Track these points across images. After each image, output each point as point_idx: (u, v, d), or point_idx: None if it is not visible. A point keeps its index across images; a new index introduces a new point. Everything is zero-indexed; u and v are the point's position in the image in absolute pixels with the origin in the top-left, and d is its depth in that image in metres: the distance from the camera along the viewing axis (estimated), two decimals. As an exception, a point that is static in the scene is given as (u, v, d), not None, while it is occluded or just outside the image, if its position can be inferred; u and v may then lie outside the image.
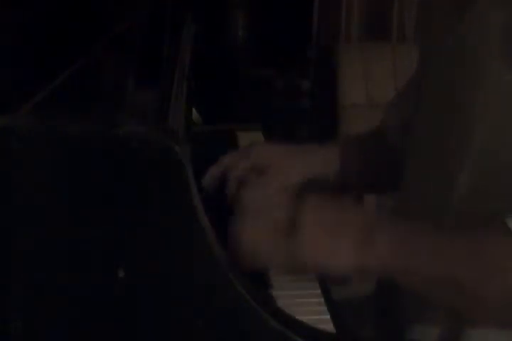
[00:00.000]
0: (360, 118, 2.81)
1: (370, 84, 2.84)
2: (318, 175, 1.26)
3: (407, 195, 1.15)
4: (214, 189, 1.22)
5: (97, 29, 1.24)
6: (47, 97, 0.88)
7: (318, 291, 1.04)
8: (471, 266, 0.90)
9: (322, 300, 1.02)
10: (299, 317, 0.89)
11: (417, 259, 0.90)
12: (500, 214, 0.93)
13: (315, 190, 1.05)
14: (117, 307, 0.83)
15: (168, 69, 1.13)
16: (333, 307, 1.00)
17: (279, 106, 3.02)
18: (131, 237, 0.82)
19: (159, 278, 0.83)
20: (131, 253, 0.82)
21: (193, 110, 1.53)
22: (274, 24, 3.03)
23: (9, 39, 1.01)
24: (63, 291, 0.83)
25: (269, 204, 0.94)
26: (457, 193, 1.02)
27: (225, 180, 1.22)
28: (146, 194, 0.81)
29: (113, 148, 0.80)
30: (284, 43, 3.00)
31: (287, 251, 0.90)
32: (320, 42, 3.01)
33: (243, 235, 0.90)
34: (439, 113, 1.09)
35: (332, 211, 0.94)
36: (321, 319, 0.96)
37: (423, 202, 1.09)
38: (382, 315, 1.22)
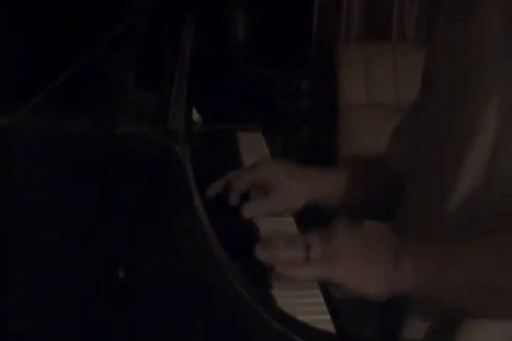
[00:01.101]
0: (360, 118, 2.81)
1: (370, 84, 2.84)
2: (320, 199, 1.27)
3: (405, 215, 1.16)
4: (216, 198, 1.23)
5: (97, 29, 1.24)
6: (47, 97, 0.88)
7: (318, 291, 1.04)
8: (504, 266, 0.92)
9: (322, 300, 1.02)
10: (299, 317, 0.89)
11: (449, 277, 0.93)
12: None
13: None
14: (117, 307, 0.83)
15: (168, 69, 1.13)
16: (333, 307, 1.00)
17: (279, 106, 3.02)
18: (131, 237, 0.82)
19: (159, 278, 0.83)
20: (131, 253, 0.82)
21: (193, 110, 1.52)
22: (274, 24, 3.02)
23: (9, 39, 1.01)
24: (63, 291, 0.83)
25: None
26: (451, 207, 1.03)
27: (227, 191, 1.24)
28: (146, 194, 0.81)
29: (113, 148, 0.80)
30: (284, 43, 3.00)
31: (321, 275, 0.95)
32: (320, 42, 3.01)
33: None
34: (440, 126, 1.09)
35: (362, 237, 0.97)
36: (321, 319, 0.96)
37: (421, 219, 1.10)
38: (382, 315, 1.22)
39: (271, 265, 0.97)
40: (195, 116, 1.56)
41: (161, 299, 0.83)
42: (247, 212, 1.20)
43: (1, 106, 0.82)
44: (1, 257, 0.82)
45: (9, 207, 0.81)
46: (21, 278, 0.83)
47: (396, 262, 0.94)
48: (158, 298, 0.83)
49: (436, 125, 1.10)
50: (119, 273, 0.81)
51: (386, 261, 0.94)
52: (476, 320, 1.00)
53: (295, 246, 0.97)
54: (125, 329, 0.84)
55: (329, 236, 0.97)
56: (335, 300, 1.03)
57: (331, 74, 2.88)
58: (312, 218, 1.27)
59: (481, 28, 1.02)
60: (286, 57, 3.01)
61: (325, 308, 0.99)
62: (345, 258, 0.95)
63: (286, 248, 0.97)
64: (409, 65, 2.76)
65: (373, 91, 2.84)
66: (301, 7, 3.01)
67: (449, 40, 1.10)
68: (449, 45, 1.10)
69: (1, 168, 0.80)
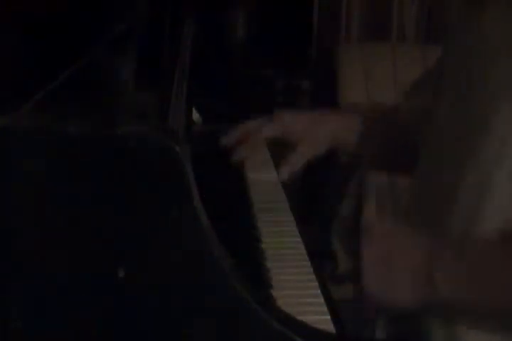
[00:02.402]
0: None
1: (370, 84, 2.84)
2: (341, 144, 1.26)
3: (419, 183, 1.15)
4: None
5: (97, 29, 1.24)
6: (47, 97, 0.88)
7: (318, 291, 1.04)
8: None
9: (322, 300, 1.02)
10: (299, 317, 0.89)
11: (478, 290, 0.91)
12: None
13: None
14: (117, 307, 0.83)
15: (168, 69, 1.13)
16: (333, 307, 1.00)
17: (279, 106, 3.02)
18: (131, 237, 0.82)
19: (159, 278, 0.83)
20: (131, 253, 0.82)
21: (193, 110, 1.52)
22: (274, 24, 3.02)
23: (9, 39, 1.01)
24: (63, 291, 0.83)
25: None
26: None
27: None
28: (146, 194, 0.81)
29: (113, 148, 0.80)
30: (284, 43, 3.00)
31: None
32: (320, 42, 3.01)
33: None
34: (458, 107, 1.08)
35: (395, 244, 0.95)
36: (321, 319, 0.96)
37: (434, 190, 1.09)
38: (382, 315, 1.22)
39: None
40: (195, 116, 1.56)
41: (161, 299, 0.83)
42: (284, 173, 1.18)
43: (1, 106, 0.82)
44: (1, 257, 0.82)
45: (9, 207, 0.81)
46: (21, 278, 0.83)
47: (428, 276, 0.91)
48: (158, 298, 0.83)
49: (450, 118, 1.09)
50: (119, 273, 0.81)
51: (418, 274, 0.92)
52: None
53: None
54: (125, 329, 0.84)
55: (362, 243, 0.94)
56: (335, 300, 1.03)
57: (331, 74, 2.88)
58: (312, 218, 1.27)
59: (492, 26, 1.02)
60: (286, 57, 3.01)
61: (325, 308, 0.99)
62: (376, 273, 0.93)
63: None
64: (409, 64, 2.76)
65: (373, 91, 2.84)
66: (301, 7, 3.01)
67: (461, 40, 1.10)
68: (461, 44, 1.10)
69: (0, 168, 0.80)
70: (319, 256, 1.21)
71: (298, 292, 1.02)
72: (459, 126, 1.06)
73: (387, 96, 2.83)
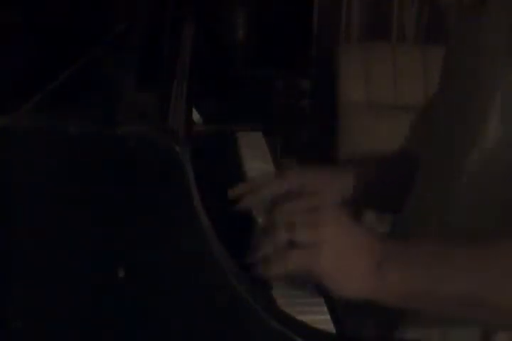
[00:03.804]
0: (360, 118, 2.81)
1: (370, 84, 2.84)
2: (350, 198, 1.26)
3: (414, 201, 1.15)
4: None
5: (97, 29, 1.24)
6: (47, 97, 0.88)
7: (318, 291, 1.04)
8: (490, 278, 0.89)
9: (322, 300, 1.01)
10: (299, 317, 0.89)
11: (432, 284, 0.90)
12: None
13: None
14: (117, 307, 0.83)
15: (168, 69, 1.13)
16: (333, 307, 1.00)
17: (279, 106, 3.02)
18: (131, 237, 0.82)
19: (159, 278, 0.83)
20: (131, 253, 0.82)
21: (193, 110, 1.52)
22: (274, 24, 3.03)
23: (9, 39, 1.01)
24: (63, 291, 0.83)
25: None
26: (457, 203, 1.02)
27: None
28: (146, 194, 0.81)
29: (113, 148, 0.80)
30: (284, 43, 3.00)
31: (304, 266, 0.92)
32: (320, 42, 3.01)
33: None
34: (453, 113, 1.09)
35: (352, 234, 0.95)
36: (321, 319, 0.96)
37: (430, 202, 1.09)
38: (382, 315, 1.22)
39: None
40: (195, 116, 1.56)
41: (161, 299, 0.83)
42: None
43: (1, 106, 0.81)
44: (1, 257, 0.82)
45: (9, 207, 0.81)
46: (21, 278, 0.83)
47: (379, 269, 0.91)
48: (158, 297, 0.83)
49: (450, 112, 1.09)
50: (119, 273, 0.81)
51: (370, 265, 0.91)
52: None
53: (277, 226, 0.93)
54: (125, 329, 0.84)
55: (319, 220, 0.93)
56: (335, 300, 1.03)
57: (331, 74, 2.88)
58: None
59: (494, 24, 1.02)
60: (286, 57, 3.01)
61: (325, 308, 0.99)
62: (331, 252, 0.91)
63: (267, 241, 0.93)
64: (409, 64, 2.77)
65: (373, 91, 2.84)
66: (301, 7, 3.01)
67: (464, 38, 1.10)
68: (463, 42, 1.10)
69: (0, 167, 0.80)
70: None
71: (298, 292, 1.02)
72: (458, 126, 1.07)
73: (387, 96, 2.84)
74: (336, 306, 1.01)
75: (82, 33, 1.17)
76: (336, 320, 0.96)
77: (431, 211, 1.08)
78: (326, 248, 0.91)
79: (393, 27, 2.97)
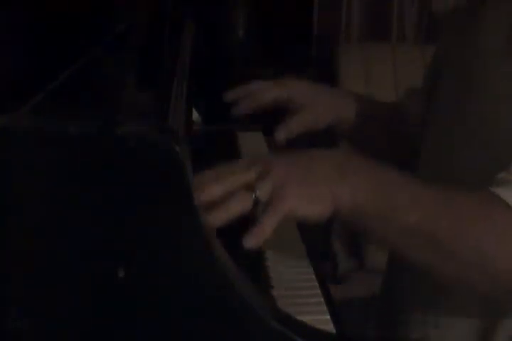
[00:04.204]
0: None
1: (370, 84, 2.84)
2: (342, 120, 1.25)
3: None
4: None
5: (97, 29, 1.24)
6: (47, 97, 0.88)
7: (318, 291, 1.04)
8: (446, 218, 0.88)
9: (322, 300, 1.02)
10: (299, 317, 0.89)
11: (390, 206, 0.88)
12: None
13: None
14: (117, 307, 0.83)
15: (168, 69, 1.13)
16: (333, 307, 1.00)
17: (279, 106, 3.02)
18: (131, 237, 0.82)
19: (159, 278, 0.83)
20: (131, 253, 0.82)
21: (193, 110, 1.53)
22: (274, 24, 3.03)
23: (9, 39, 1.01)
24: (63, 291, 0.83)
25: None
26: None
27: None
28: (146, 194, 0.81)
29: (113, 148, 0.80)
30: (284, 43, 3.00)
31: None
32: (320, 42, 3.01)
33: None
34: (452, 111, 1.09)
35: (304, 159, 0.93)
36: (321, 319, 0.96)
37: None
38: (383, 315, 1.22)
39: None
40: (195, 116, 1.56)
41: (161, 299, 0.83)
42: (281, 132, 1.16)
43: (1, 106, 0.81)
44: (1, 257, 0.82)
45: (9, 207, 0.81)
46: (21, 277, 0.83)
47: (340, 179, 0.89)
48: (158, 297, 0.83)
49: (449, 112, 1.10)
50: (119, 273, 0.81)
51: (329, 178, 0.89)
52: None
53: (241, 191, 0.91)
54: (125, 329, 0.84)
55: (268, 167, 0.91)
56: (335, 300, 1.03)
57: (331, 74, 2.88)
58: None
59: (491, 25, 1.02)
60: (286, 57, 3.01)
61: (325, 308, 0.99)
62: (291, 187, 0.88)
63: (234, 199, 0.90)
64: (409, 64, 2.76)
65: (373, 91, 2.84)
66: (301, 7, 3.01)
67: (459, 38, 1.10)
68: (459, 43, 1.10)
69: (0, 167, 0.80)
70: (319, 256, 1.21)
71: (298, 292, 1.02)
72: (458, 126, 1.07)
73: (387, 96, 2.84)
74: (336, 306, 1.01)
75: (82, 33, 1.17)
76: (335, 320, 0.96)
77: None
78: (287, 190, 0.89)
79: (393, 27, 2.96)
